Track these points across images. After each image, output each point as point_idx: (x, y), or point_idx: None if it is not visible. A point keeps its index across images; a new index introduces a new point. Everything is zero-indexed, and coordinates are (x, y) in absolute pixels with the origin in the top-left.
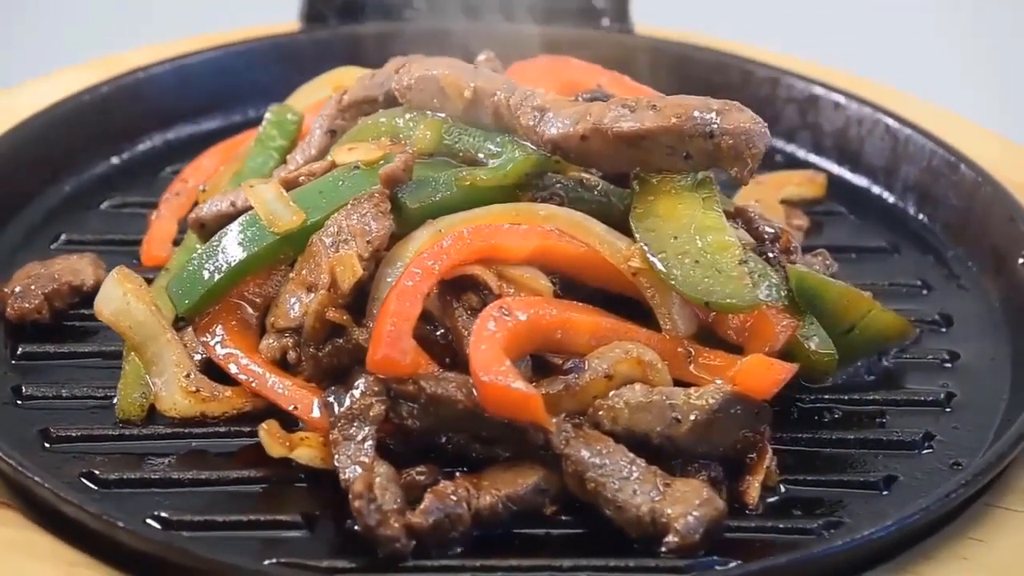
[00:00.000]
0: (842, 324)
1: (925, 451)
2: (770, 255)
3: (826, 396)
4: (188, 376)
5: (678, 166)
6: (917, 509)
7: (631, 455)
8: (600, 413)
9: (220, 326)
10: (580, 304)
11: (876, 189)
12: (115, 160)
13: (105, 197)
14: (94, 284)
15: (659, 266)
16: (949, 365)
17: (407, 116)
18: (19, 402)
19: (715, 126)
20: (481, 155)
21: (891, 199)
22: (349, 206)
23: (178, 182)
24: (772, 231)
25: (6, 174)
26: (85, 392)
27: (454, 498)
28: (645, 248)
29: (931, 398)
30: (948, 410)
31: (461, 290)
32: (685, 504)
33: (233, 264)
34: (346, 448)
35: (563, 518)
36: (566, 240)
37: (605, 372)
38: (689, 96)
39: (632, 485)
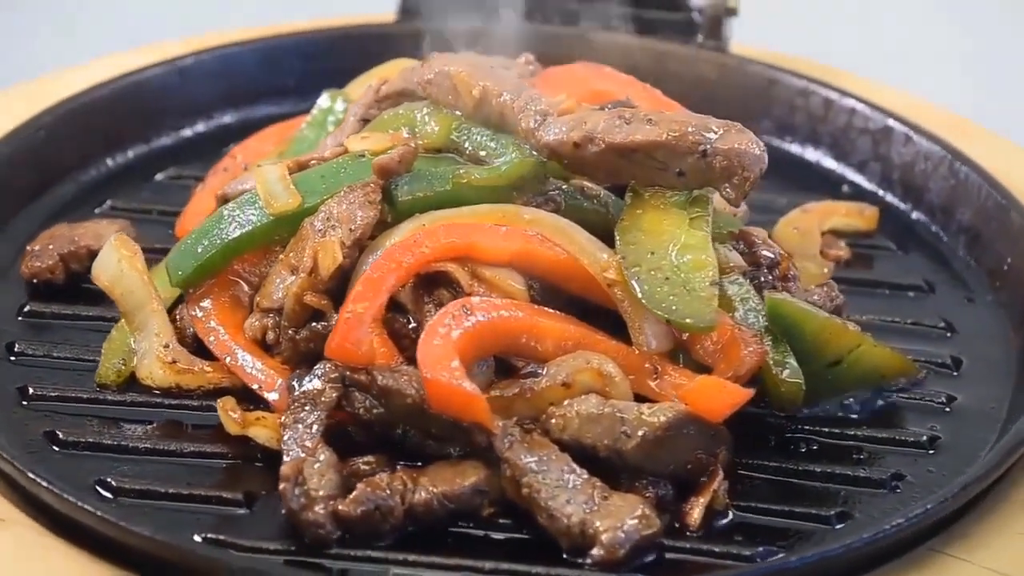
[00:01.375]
0: (826, 356)
1: (890, 491)
2: (763, 280)
3: (807, 427)
4: (167, 347)
5: (670, 182)
6: (859, 541)
7: (572, 465)
8: (552, 421)
9: (210, 300)
10: (550, 311)
11: (933, 227)
12: (187, 133)
13: (164, 169)
14: None
15: (630, 279)
16: (946, 409)
17: (424, 110)
18: (11, 359)
19: (709, 145)
20: (484, 154)
21: (944, 238)
22: (342, 193)
23: (227, 159)
24: (771, 257)
25: (73, 134)
26: (75, 354)
27: (387, 490)
28: (621, 260)
29: (913, 439)
30: (930, 452)
31: (435, 286)
32: (616, 518)
33: (227, 240)
34: (294, 431)
35: (502, 521)
36: (548, 246)
37: (563, 380)
38: (692, 114)
39: (567, 494)
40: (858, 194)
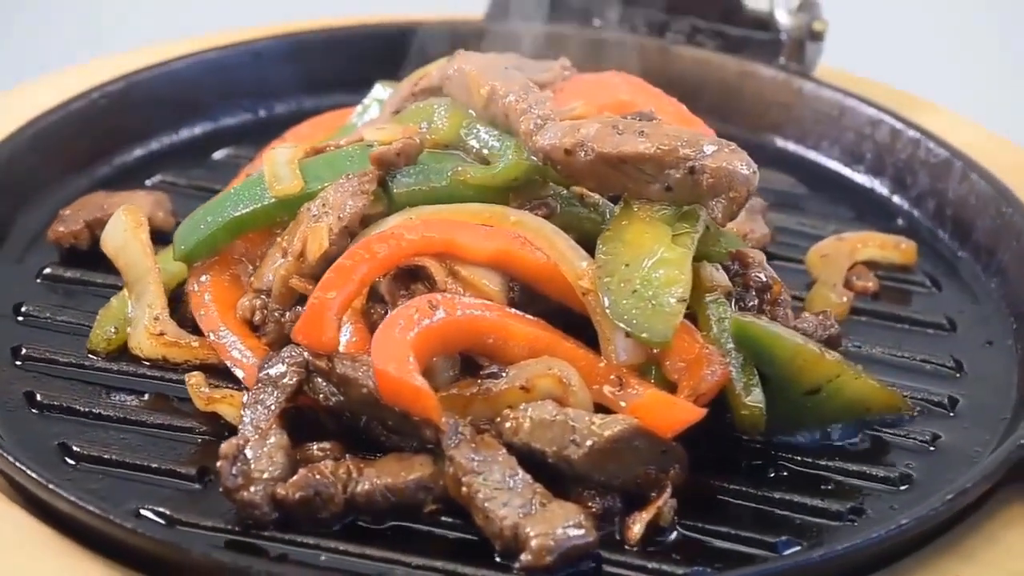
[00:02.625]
0: (802, 383)
1: (845, 524)
2: (750, 303)
3: (783, 453)
4: (157, 319)
5: (658, 196)
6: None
7: (518, 469)
8: (506, 424)
9: (209, 276)
10: (521, 314)
11: (976, 267)
12: (262, 114)
13: (223, 147)
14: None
15: (600, 289)
16: (930, 448)
17: (442, 106)
18: (18, 319)
19: (698, 162)
20: (487, 153)
21: (983, 279)
22: (341, 181)
23: (277, 141)
24: (761, 280)
25: (143, 105)
26: (77, 319)
27: (330, 477)
28: (597, 270)
29: (884, 475)
30: (901, 488)
31: (412, 280)
32: (549, 525)
33: (229, 219)
34: (253, 411)
35: (447, 519)
36: (529, 249)
37: (522, 384)
38: (687, 130)
39: (506, 497)
40: (911, 228)
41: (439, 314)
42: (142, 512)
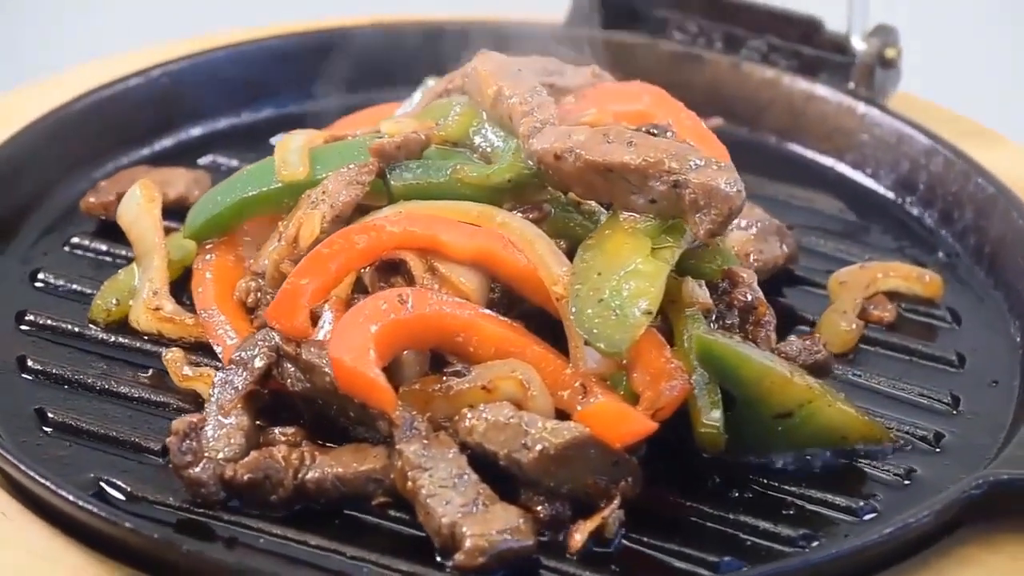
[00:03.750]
0: (771, 406)
1: (795, 549)
2: (730, 322)
3: (752, 475)
4: (155, 293)
5: (642, 207)
6: None
7: (467, 469)
8: (463, 423)
9: (214, 255)
10: (494, 315)
11: (1004, 307)
12: (328, 104)
13: (282, 130)
14: (176, 198)
15: (570, 296)
16: (904, 482)
17: (458, 104)
18: (33, 285)
19: (682, 176)
20: (491, 152)
21: (1007, 318)
22: (342, 170)
23: (334, 127)
24: (745, 300)
25: (207, 85)
26: (88, 288)
27: (281, 462)
28: (571, 276)
29: (846, 505)
30: (864, 519)
31: (394, 272)
32: (486, 526)
33: (236, 199)
34: (221, 390)
35: (395, 514)
36: (510, 251)
37: (484, 384)
38: (678, 144)
39: (449, 495)
40: (950, 262)
41: (408, 308)
42: (101, 483)
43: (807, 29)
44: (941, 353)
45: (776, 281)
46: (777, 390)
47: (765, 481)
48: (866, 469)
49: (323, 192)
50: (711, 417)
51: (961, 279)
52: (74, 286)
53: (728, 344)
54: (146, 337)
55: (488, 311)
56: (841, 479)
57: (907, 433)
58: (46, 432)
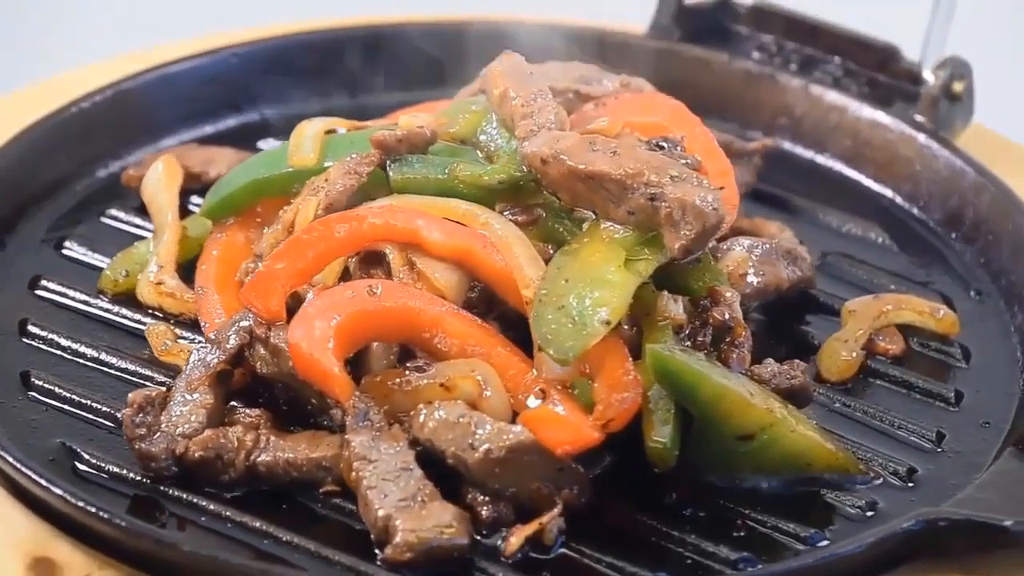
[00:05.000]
0: (731, 427)
1: (733, 572)
2: (700, 339)
3: (709, 495)
4: (160, 268)
5: (622, 218)
6: None
7: (413, 464)
8: (417, 419)
9: (225, 235)
10: (464, 314)
11: (1020, 349)
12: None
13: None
14: (216, 176)
15: (535, 300)
16: (867, 514)
17: (476, 103)
18: (61, 252)
19: (659, 190)
20: (492, 151)
21: (1020, 362)
22: (345, 159)
23: (389, 118)
24: (721, 320)
25: (281, 69)
26: (106, 258)
27: (234, 442)
28: (540, 281)
29: (795, 532)
30: (813, 547)
31: (376, 264)
32: (419, 522)
33: (247, 181)
34: (192, 367)
35: (344, 504)
36: (489, 252)
37: (442, 381)
38: (663, 157)
39: (389, 488)
40: (981, 301)
41: (375, 299)
42: (65, 449)
43: (883, 56)
44: (939, 390)
45: (797, 306)
46: (737, 411)
47: (722, 502)
48: (830, 498)
49: (325, 180)
50: (660, 432)
51: (986, 319)
52: (95, 256)
53: (685, 360)
54: (150, 311)
55: (459, 309)
56: (803, 506)
57: (881, 466)
58: (24, 396)
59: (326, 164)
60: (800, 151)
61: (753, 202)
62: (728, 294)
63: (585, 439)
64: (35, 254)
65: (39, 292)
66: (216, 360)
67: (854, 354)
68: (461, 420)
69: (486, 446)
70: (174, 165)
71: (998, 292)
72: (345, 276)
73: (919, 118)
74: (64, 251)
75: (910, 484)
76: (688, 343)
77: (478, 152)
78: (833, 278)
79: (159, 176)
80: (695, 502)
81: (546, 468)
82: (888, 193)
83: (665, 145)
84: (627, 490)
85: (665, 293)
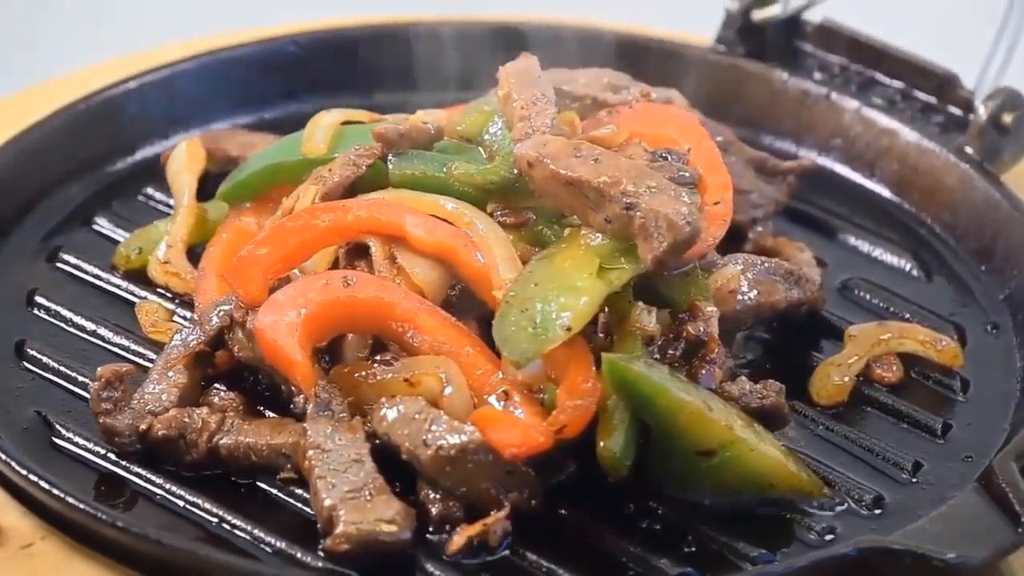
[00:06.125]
0: (690, 442)
1: None
2: (670, 352)
3: (666, 510)
4: (170, 247)
5: (600, 226)
6: None
7: (366, 458)
8: (377, 413)
9: (238, 219)
10: (438, 311)
11: (1019, 387)
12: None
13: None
14: None
15: (501, 303)
16: (826, 538)
17: (489, 103)
18: (92, 227)
19: (635, 199)
20: (493, 151)
21: (1018, 399)
22: (348, 151)
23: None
24: (694, 335)
25: (340, 61)
26: (126, 235)
27: (198, 423)
28: (511, 284)
29: (744, 552)
30: (747, 568)
31: (360, 256)
32: (361, 515)
33: (261, 167)
34: (173, 346)
35: (297, 490)
36: (469, 251)
37: (407, 377)
38: (644, 167)
39: (339, 479)
40: (996, 336)
41: (348, 290)
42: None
43: (943, 83)
44: (928, 421)
45: (805, 328)
46: (695, 425)
47: (680, 517)
48: (790, 521)
49: (328, 170)
50: (610, 443)
51: (995, 354)
52: (120, 233)
53: (643, 372)
54: (159, 289)
55: (432, 306)
56: (761, 527)
57: (848, 493)
58: (15, 364)
59: (336, 154)
60: (849, 173)
61: (789, 222)
62: (708, 309)
63: (533, 443)
64: (62, 228)
65: (57, 264)
66: (195, 341)
67: (846, 379)
68: (417, 416)
69: (438, 444)
70: (197, 147)
71: (1014, 328)
72: (336, 266)
73: (968, 148)
74: (93, 226)
75: (876, 512)
76: (657, 355)
77: (482, 151)
78: (850, 302)
79: (181, 158)
80: (652, 515)
81: (495, 470)
82: (928, 220)
83: (668, 156)
84: (586, 499)
85: (640, 304)
